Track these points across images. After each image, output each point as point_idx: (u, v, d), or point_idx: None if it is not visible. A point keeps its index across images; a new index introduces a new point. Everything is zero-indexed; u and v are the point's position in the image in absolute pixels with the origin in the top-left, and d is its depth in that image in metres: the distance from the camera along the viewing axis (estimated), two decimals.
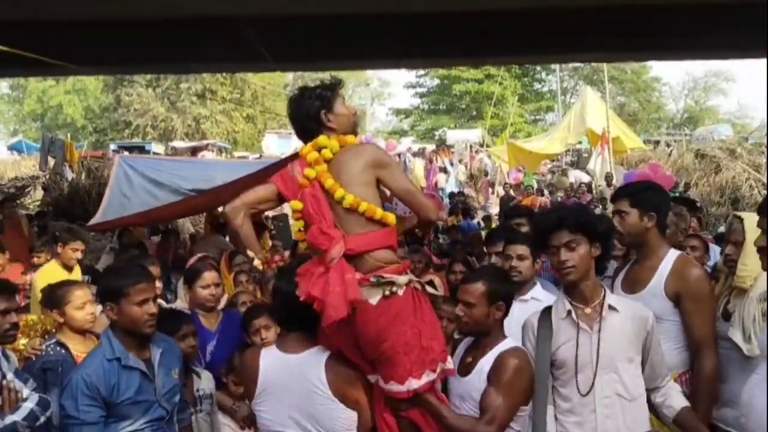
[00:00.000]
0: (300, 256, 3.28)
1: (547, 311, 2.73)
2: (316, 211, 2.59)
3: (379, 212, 2.58)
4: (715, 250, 4.28)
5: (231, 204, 2.68)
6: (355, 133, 2.79)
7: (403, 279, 2.55)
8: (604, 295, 2.63)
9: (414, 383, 2.54)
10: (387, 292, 2.51)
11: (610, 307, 2.60)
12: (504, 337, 2.78)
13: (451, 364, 2.69)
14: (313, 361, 2.54)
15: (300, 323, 2.59)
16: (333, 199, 2.59)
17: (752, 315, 2.72)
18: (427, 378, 2.57)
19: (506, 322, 3.34)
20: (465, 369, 2.74)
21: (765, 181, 15.47)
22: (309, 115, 2.74)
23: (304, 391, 2.53)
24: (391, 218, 2.61)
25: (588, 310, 2.61)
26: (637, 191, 3.05)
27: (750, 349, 2.64)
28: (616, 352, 2.54)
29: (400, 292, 2.53)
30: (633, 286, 2.94)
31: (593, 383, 2.53)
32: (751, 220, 2.73)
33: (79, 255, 5.27)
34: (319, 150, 2.69)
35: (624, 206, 2.98)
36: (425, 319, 2.60)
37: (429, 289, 2.70)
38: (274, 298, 2.78)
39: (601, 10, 6.72)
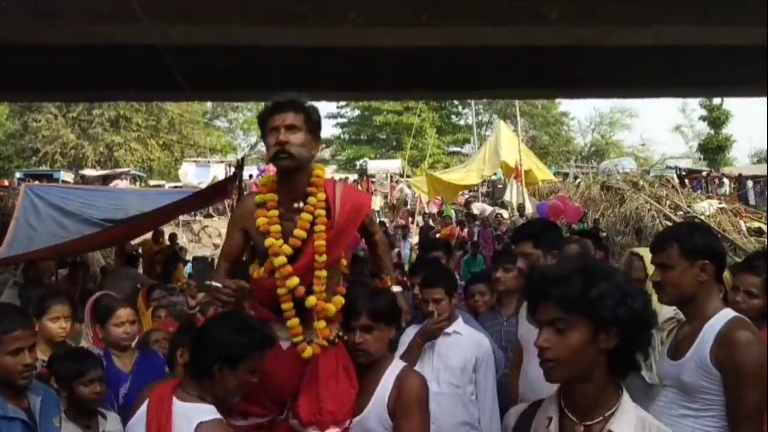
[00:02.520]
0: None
1: (533, 408, 1.82)
2: None
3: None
4: None
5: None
6: (277, 166, 2.61)
7: None
8: (614, 412, 1.64)
9: None
10: None
11: None
12: None
13: None
14: (189, 415, 2.29)
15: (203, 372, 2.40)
16: None
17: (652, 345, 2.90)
18: None
19: (427, 356, 3.40)
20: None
21: (666, 211, 16.45)
22: None
23: None
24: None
25: (580, 429, 1.65)
26: (537, 232, 3.14)
27: (651, 377, 2.79)
28: None
29: None
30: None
31: None
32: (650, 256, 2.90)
33: None
34: None
35: (528, 248, 3.06)
36: None
37: None
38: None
39: (514, 50, 7.07)
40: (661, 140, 53.40)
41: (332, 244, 2.60)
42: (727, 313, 2.33)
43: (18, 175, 23.38)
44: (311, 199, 2.59)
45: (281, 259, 2.57)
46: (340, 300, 2.64)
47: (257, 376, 2.40)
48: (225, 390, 2.34)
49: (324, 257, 2.56)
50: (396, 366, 2.65)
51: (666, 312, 2.90)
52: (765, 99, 9.06)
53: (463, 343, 3.41)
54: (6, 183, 18.74)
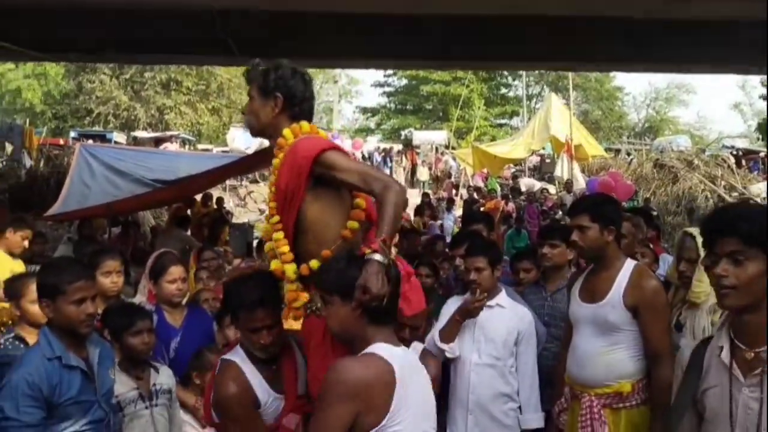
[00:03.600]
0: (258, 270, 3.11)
1: (704, 343, 2.06)
2: None
3: None
4: (667, 260, 4.40)
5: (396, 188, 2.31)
6: None
7: None
8: None
9: None
10: None
11: None
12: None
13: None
14: None
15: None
16: None
17: (702, 326, 2.83)
18: None
19: (468, 328, 3.41)
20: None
21: (720, 192, 15.95)
22: None
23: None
24: None
25: (750, 355, 1.85)
26: (595, 205, 3.03)
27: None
28: None
29: None
30: (592, 296, 2.98)
31: None
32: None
33: (26, 243, 5.11)
34: None
35: (584, 221, 2.94)
36: None
37: None
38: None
39: (568, 20, 6.88)
40: (719, 118, 51.47)
41: (281, 206, 2.45)
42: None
43: (72, 134, 23.98)
44: (274, 161, 2.52)
45: (265, 227, 2.68)
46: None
47: (265, 337, 2.42)
48: (242, 339, 2.52)
49: (276, 218, 2.47)
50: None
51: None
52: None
53: (506, 317, 3.41)
54: (61, 142, 19.25)
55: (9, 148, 13.96)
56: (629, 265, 2.97)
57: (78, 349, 2.57)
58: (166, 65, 25.24)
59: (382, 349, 2.10)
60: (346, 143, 27.04)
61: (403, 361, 2.11)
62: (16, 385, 2.38)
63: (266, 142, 2.78)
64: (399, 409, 2.01)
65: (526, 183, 20.08)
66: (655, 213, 12.35)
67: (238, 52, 8.00)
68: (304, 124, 2.55)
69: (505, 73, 35.63)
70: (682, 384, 2.02)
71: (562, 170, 17.30)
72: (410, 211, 12.91)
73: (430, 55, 9.29)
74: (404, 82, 38.16)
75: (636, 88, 50.48)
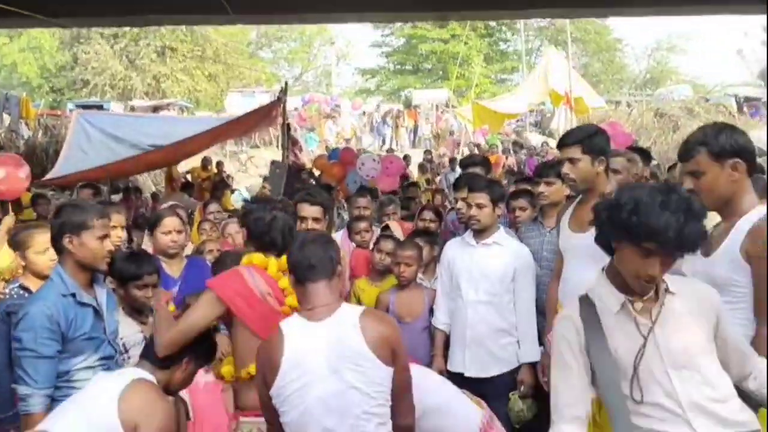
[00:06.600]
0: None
1: (583, 307, 2.06)
2: None
3: None
4: None
5: (167, 343, 2.41)
6: None
7: None
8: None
9: None
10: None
11: (668, 291, 1.97)
12: None
13: None
14: None
15: None
16: None
17: None
18: None
19: (467, 266, 3.46)
20: None
21: None
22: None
23: None
24: None
25: (639, 305, 1.98)
26: (586, 137, 2.98)
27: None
28: (688, 345, 1.93)
29: None
30: (581, 225, 2.98)
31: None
32: None
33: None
34: None
35: (575, 153, 2.93)
36: None
37: None
38: None
39: None
40: (723, 68, 50.45)
41: None
42: (762, 209, 2.28)
43: (70, 106, 23.81)
44: None
45: None
46: None
47: None
48: None
49: None
50: None
51: (713, 216, 2.85)
52: None
53: (503, 254, 3.45)
54: (59, 113, 19.19)
55: (6, 119, 13.90)
56: None
57: (88, 290, 2.66)
58: (158, 30, 24.98)
59: None
60: (345, 105, 26.87)
61: None
62: (34, 318, 2.46)
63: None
64: None
65: (535, 139, 19.96)
66: (656, 162, 12.30)
67: (231, 11, 7.90)
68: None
69: (504, 28, 35.12)
70: (595, 354, 1.97)
71: (559, 123, 17.18)
72: (413, 169, 12.90)
73: (424, 7, 9.18)
74: (402, 41, 37.67)
75: (636, 39, 49.53)
